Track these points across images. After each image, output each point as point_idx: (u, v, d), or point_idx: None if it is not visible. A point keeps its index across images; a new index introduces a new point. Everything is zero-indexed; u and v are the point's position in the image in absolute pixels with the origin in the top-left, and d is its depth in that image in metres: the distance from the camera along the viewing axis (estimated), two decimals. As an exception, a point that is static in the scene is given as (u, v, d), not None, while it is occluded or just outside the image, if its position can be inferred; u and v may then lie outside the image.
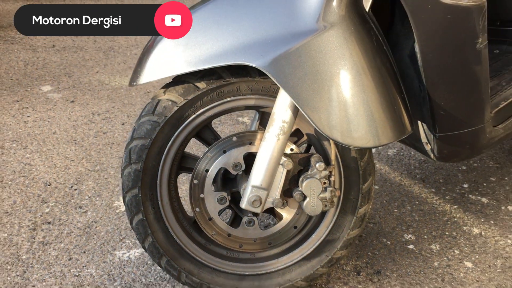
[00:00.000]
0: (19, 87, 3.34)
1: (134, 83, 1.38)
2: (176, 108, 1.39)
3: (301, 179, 1.40)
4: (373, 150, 2.78)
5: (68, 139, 2.71)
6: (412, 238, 2.07)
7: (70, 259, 1.81)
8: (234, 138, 1.44)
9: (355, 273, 1.83)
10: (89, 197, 2.21)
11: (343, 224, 1.56)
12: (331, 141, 1.40)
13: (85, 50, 4.28)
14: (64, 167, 2.43)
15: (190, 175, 1.47)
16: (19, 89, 3.30)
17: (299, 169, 1.42)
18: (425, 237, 2.08)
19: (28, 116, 2.95)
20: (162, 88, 1.46)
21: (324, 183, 1.38)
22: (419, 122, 1.53)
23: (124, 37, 4.59)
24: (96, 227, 2.01)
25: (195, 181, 1.45)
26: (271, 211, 1.54)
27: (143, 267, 1.79)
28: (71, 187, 2.28)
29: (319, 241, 1.58)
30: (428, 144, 1.56)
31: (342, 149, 1.46)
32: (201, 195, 1.47)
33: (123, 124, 3.01)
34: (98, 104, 3.22)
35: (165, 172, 1.47)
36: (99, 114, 3.13)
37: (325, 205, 1.39)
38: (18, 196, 2.19)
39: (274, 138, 1.33)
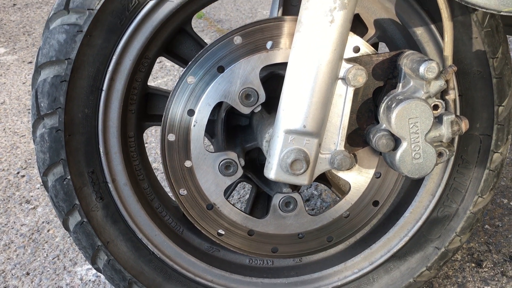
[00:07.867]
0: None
1: None
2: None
3: (385, 104, 0.87)
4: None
5: (20, 109, 2.40)
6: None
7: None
8: (238, 39, 0.91)
9: (474, 265, 1.42)
10: (41, 185, 1.85)
11: (463, 184, 1.12)
12: (443, 8, 0.86)
13: (51, 4, 4.04)
14: (10, 146, 2.10)
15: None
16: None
17: (377, 85, 0.91)
18: None
19: (-28, 87, 2.65)
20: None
21: (435, 106, 0.85)
22: None
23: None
24: (48, 230, 1.65)
25: (170, 137, 0.95)
26: (323, 178, 1.10)
27: (119, 289, 1.37)
28: (18, 173, 1.93)
29: (420, 222, 1.13)
30: None
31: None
32: (187, 163, 0.98)
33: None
34: (62, 62, 2.81)
35: (112, 126, 0.97)
36: (63, 74, 2.74)
37: (441, 153, 0.88)
38: None
39: (323, 19, 0.80)
